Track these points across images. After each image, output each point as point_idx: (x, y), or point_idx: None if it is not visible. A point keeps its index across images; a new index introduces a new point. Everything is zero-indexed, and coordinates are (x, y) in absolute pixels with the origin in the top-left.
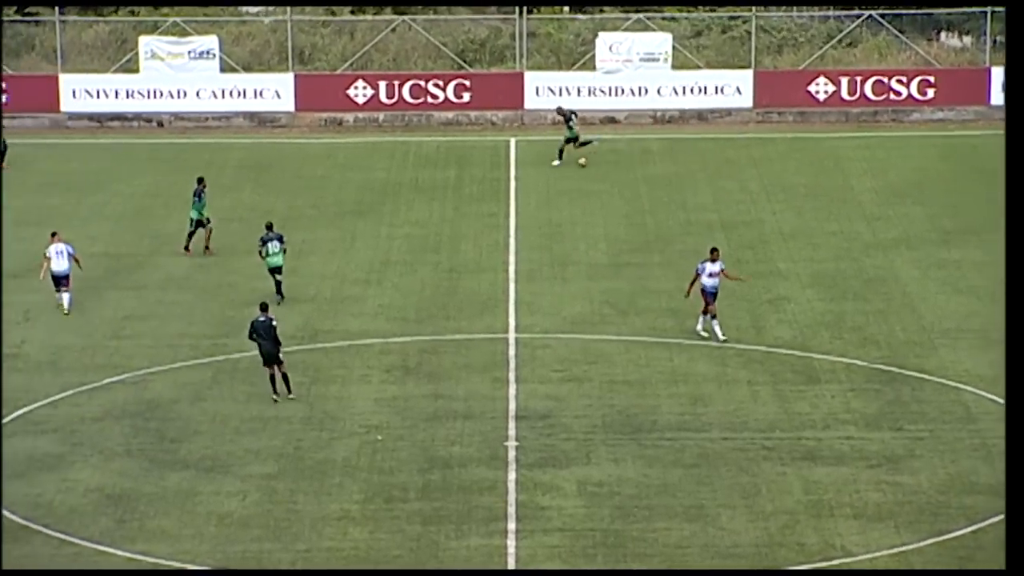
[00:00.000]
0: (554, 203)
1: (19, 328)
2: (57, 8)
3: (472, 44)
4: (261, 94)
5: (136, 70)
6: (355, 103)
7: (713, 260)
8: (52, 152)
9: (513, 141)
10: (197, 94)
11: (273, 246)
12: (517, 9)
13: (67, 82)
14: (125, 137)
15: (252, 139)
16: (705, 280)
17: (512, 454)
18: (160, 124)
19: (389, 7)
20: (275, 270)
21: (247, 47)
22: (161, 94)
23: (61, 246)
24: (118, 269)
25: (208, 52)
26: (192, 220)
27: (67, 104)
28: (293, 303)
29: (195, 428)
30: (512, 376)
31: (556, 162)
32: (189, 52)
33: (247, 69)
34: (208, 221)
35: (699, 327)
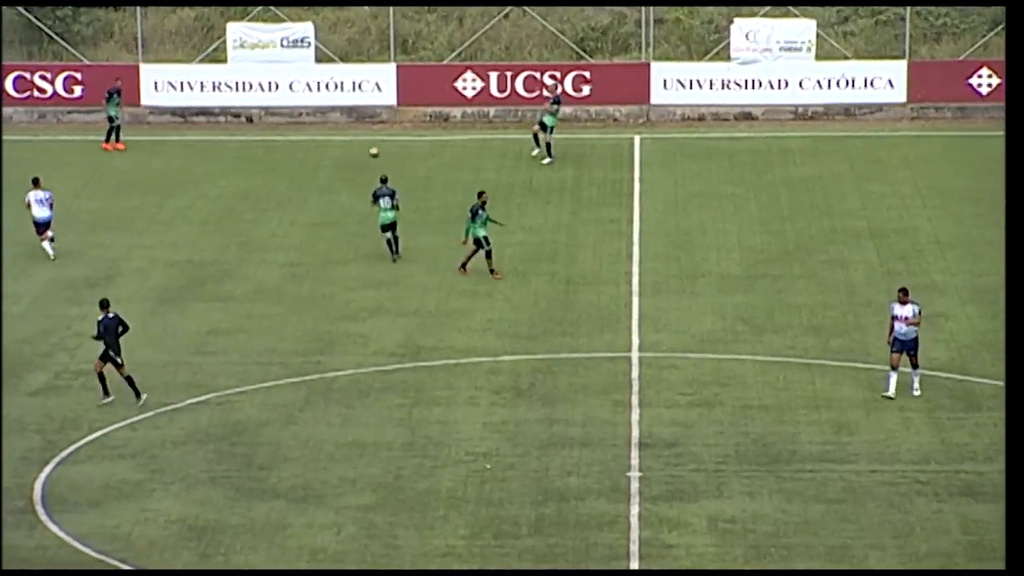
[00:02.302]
0: (682, 208)
1: (95, 343)
2: None
3: (593, 32)
4: (360, 87)
5: (223, 60)
6: (463, 97)
7: (902, 303)
8: (131, 150)
9: (637, 139)
10: (290, 86)
11: (385, 202)
12: None
13: (148, 73)
14: (211, 133)
15: (350, 136)
16: (897, 327)
17: (635, 486)
18: (249, 119)
19: None
20: (389, 227)
21: (345, 35)
22: (250, 86)
23: (42, 193)
24: (203, 278)
25: (302, 40)
26: (479, 239)
27: (148, 97)
28: (394, 316)
29: (285, 454)
30: (635, 400)
31: (547, 159)
32: (281, 40)
33: (345, 59)
34: (487, 242)
35: (888, 389)
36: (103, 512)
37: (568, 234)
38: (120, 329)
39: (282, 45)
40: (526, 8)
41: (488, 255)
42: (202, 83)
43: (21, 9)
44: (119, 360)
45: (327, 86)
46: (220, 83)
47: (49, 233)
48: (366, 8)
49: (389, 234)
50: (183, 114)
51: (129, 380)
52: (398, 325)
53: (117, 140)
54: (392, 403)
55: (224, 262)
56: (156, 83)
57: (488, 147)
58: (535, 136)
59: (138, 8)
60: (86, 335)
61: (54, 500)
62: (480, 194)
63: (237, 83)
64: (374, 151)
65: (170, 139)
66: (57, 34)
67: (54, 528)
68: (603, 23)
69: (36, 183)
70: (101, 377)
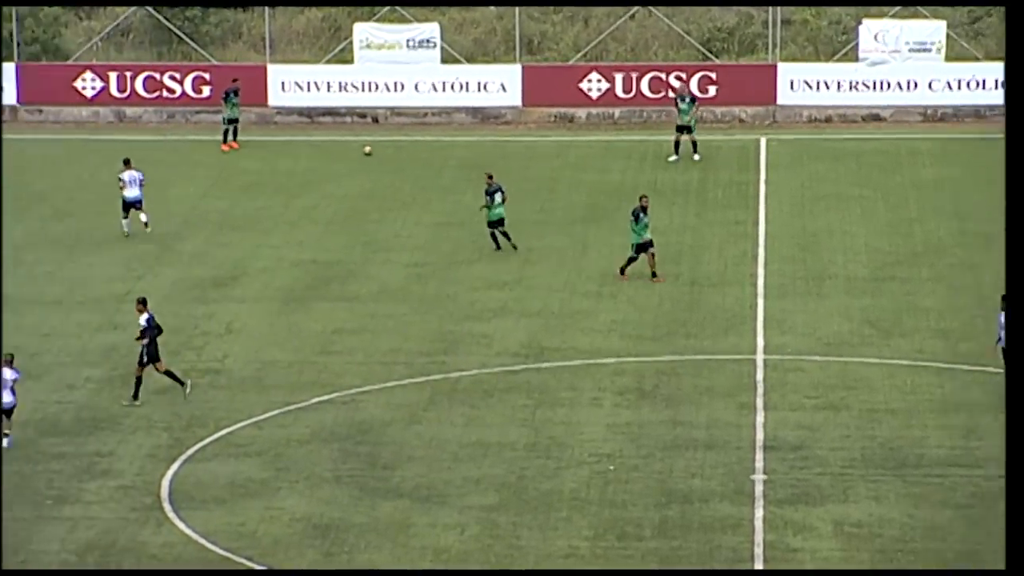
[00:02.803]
0: (809, 210)
1: (221, 341)
2: None
3: (719, 33)
4: (485, 87)
5: (350, 61)
6: (588, 97)
7: (1002, 309)
8: (258, 150)
9: (763, 140)
10: (416, 87)
11: (497, 197)
12: None
13: (276, 74)
14: (337, 134)
15: (475, 136)
16: (1001, 334)
17: (759, 489)
18: (375, 120)
19: None
20: (498, 222)
21: (471, 35)
22: (377, 87)
23: (134, 174)
24: (328, 278)
25: (428, 41)
26: (633, 246)
27: (275, 98)
28: (518, 317)
29: (409, 454)
30: (760, 402)
31: (673, 157)
32: (408, 41)
33: (470, 60)
34: (651, 244)
35: None
36: (229, 510)
37: (693, 236)
38: (157, 331)
39: (408, 46)
40: (652, 9)
41: (652, 256)
42: (329, 84)
43: (151, 10)
44: (144, 360)
45: (452, 87)
46: (346, 84)
47: (143, 216)
48: (492, 9)
49: (498, 229)
50: (310, 114)
51: (137, 381)
52: (522, 326)
53: (234, 139)
54: (516, 403)
55: (349, 262)
56: (283, 83)
57: (613, 148)
58: (694, 144)
59: (266, 9)
60: (213, 334)
61: (181, 497)
62: (641, 197)
63: (363, 83)
64: (367, 149)
65: (297, 139)
66: (186, 35)
67: (181, 525)
68: (730, 24)
69: (127, 163)
70: (138, 381)
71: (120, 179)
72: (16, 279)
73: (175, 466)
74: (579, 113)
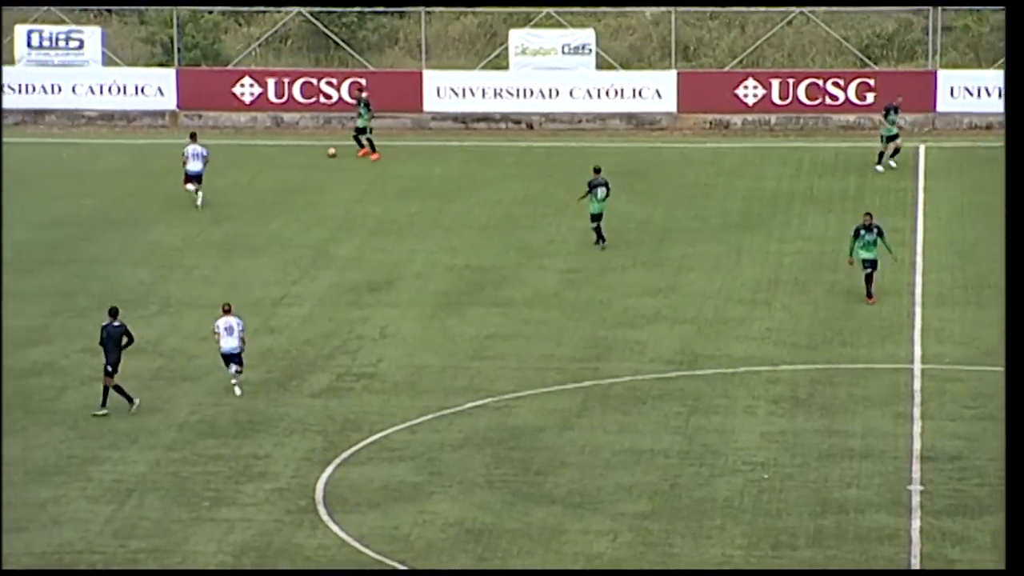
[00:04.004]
0: (968, 217)
1: (375, 345)
2: None
3: (878, 39)
4: (640, 93)
5: (505, 67)
6: (744, 104)
7: None
8: (413, 155)
9: (922, 148)
10: (571, 93)
11: (600, 191)
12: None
13: (431, 79)
14: (491, 140)
15: (629, 143)
16: None
17: (916, 499)
18: (529, 126)
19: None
20: (596, 216)
21: (626, 41)
22: (531, 93)
23: (198, 148)
24: (482, 283)
25: (583, 47)
26: (866, 261)
27: (430, 103)
28: (672, 324)
29: (562, 460)
30: (917, 412)
31: (879, 167)
32: (563, 47)
33: (625, 66)
34: (874, 264)
35: None
36: (382, 513)
37: (849, 243)
38: (125, 340)
39: (563, 52)
40: (810, 15)
41: (869, 278)
42: (484, 90)
43: (309, 16)
44: (109, 368)
45: (607, 93)
46: (501, 90)
47: (193, 187)
48: (647, 14)
49: (597, 224)
50: (464, 120)
51: (118, 388)
52: (676, 332)
53: (371, 148)
54: (669, 411)
55: (503, 267)
56: (438, 89)
57: (768, 155)
58: (895, 151)
59: (423, 15)
60: (367, 338)
61: (335, 500)
62: (865, 215)
63: (518, 90)
64: (332, 151)
65: (451, 145)
66: (343, 41)
67: (335, 528)
68: (888, 30)
69: (193, 137)
70: (118, 389)
71: (183, 152)
72: (174, 283)
73: (329, 469)
74: (734, 119)
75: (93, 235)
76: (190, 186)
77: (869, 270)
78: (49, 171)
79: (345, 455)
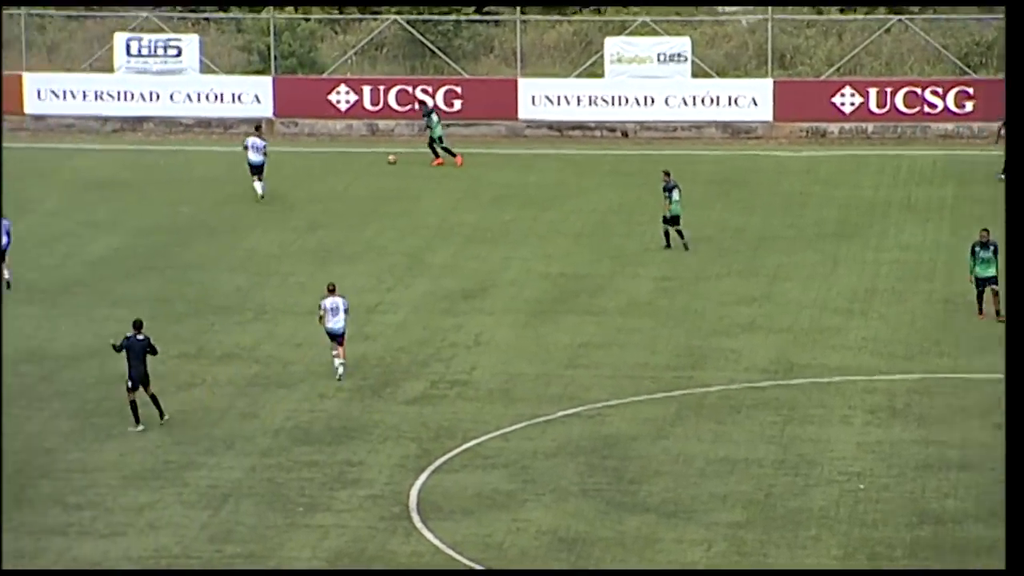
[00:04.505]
0: None
1: (469, 353)
2: (519, 7)
3: (978, 47)
4: (736, 101)
5: (600, 74)
6: (841, 112)
7: None
8: (508, 163)
9: None
10: (666, 101)
11: (674, 194)
12: None
13: (526, 87)
14: (586, 147)
15: (724, 151)
16: None
17: None
18: (624, 134)
19: (882, 6)
20: (673, 220)
21: (722, 49)
22: (626, 101)
23: (259, 141)
24: (576, 291)
25: (679, 55)
26: (983, 279)
27: (525, 111)
28: (767, 332)
29: (656, 468)
30: None
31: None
32: (659, 55)
33: (721, 74)
34: (992, 280)
35: None
36: (476, 521)
37: (947, 253)
38: (148, 352)
39: (659, 60)
40: (908, 23)
41: (981, 295)
42: (579, 97)
43: (405, 24)
44: (130, 384)
45: (703, 101)
46: (596, 97)
47: (260, 184)
48: (743, 22)
49: (673, 227)
50: (559, 128)
51: (153, 399)
52: (771, 341)
53: (451, 154)
54: (764, 420)
55: (597, 275)
56: (533, 97)
57: (865, 163)
58: None
59: (518, 23)
60: (461, 345)
61: (429, 508)
62: (981, 232)
63: (613, 98)
64: (392, 159)
65: (546, 153)
66: (439, 48)
67: (429, 535)
68: (988, 38)
69: (257, 129)
70: (133, 406)
71: (245, 144)
72: (270, 289)
73: (423, 476)
74: (831, 128)
75: (190, 241)
76: (258, 185)
77: (984, 287)
78: (147, 178)
79: (439, 462)
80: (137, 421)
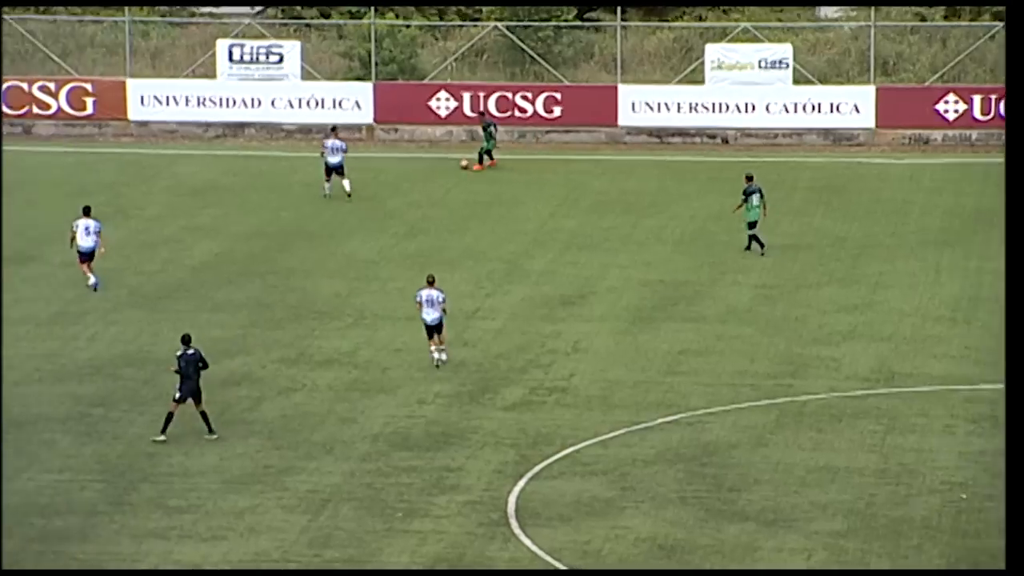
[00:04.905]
0: None
1: (568, 359)
2: (619, 13)
3: None
4: (838, 108)
5: (700, 81)
6: (944, 119)
7: None
8: (607, 169)
9: None
10: (767, 108)
11: (755, 199)
12: None
13: (626, 94)
14: (686, 154)
15: (826, 158)
16: None
17: None
18: (725, 141)
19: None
20: (753, 223)
21: (824, 56)
22: (727, 107)
23: (336, 142)
24: (675, 299)
25: (781, 62)
26: None
27: (625, 118)
28: (868, 341)
29: (756, 476)
30: None
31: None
32: (760, 62)
33: (823, 80)
34: None
35: None
36: (574, 528)
37: None
38: (201, 366)
39: (760, 66)
40: None
41: None
42: (679, 104)
43: (504, 30)
44: (177, 396)
45: (804, 108)
46: (697, 104)
47: (345, 183)
48: (846, 29)
49: (753, 231)
50: (659, 135)
51: (168, 417)
52: (872, 350)
53: (490, 159)
54: (865, 429)
55: (696, 282)
56: (633, 104)
57: (969, 171)
58: None
59: (618, 29)
60: (560, 352)
61: (527, 514)
62: None
63: (714, 104)
64: (464, 164)
65: (645, 159)
66: (539, 55)
67: (527, 542)
68: None
69: (334, 131)
70: (169, 417)
71: (324, 146)
72: (369, 295)
73: (521, 483)
74: (935, 135)
75: (290, 247)
76: (327, 185)
77: (753, 232)
78: (248, 184)
79: (537, 469)
80: (163, 431)
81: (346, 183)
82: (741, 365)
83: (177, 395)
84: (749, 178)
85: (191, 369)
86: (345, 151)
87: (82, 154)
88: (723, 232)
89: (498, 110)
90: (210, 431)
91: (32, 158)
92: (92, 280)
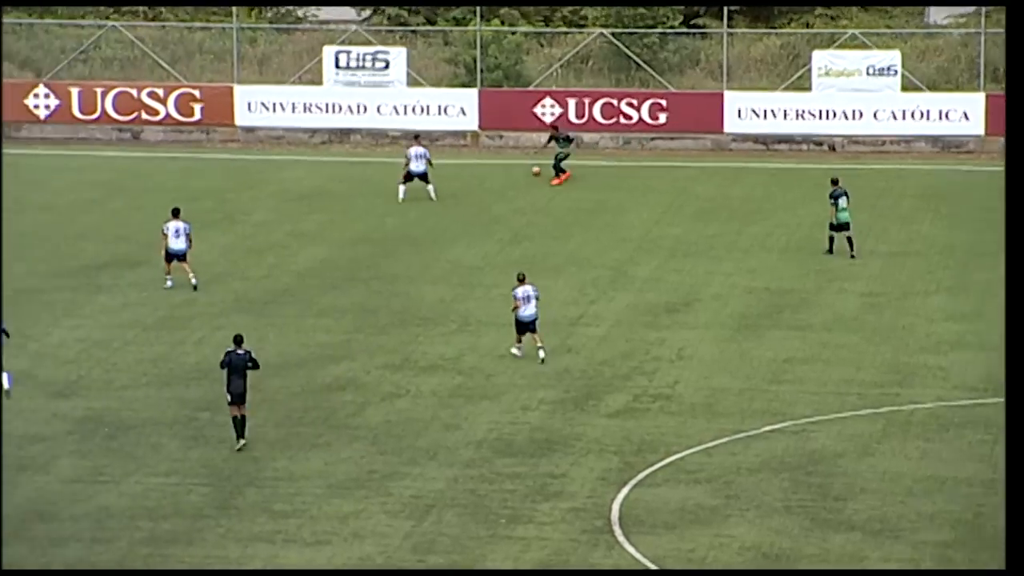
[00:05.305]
0: None
1: (672, 367)
2: (725, 20)
3: None
4: (947, 115)
5: (807, 88)
6: None
7: None
8: (713, 176)
9: None
10: (874, 115)
11: (842, 201)
12: None
13: (731, 101)
14: (792, 161)
15: (934, 165)
16: None
17: None
18: (831, 148)
19: None
20: (843, 226)
21: (933, 63)
22: (834, 114)
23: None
24: (781, 306)
25: (889, 68)
26: None
27: (731, 125)
28: (976, 350)
29: (862, 486)
30: None
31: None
32: (868, 68)
33: (931, 88)
34: None
35: None
36: (678, 535)
37: None
38: (250, 366)
39: (867, 73)
40: None
41: None
42: (785, 111)
43: (610, 37)
44: (229, 398)
45: (912, 115)
46: (803, 111)
47: (430, 188)
48: (955, 35)
49: (841, 233)
50: (765, 141)
51: (236, 420)
52: (980, 359)
53: (563, 172)
54: (973, 439)
55: (802, 290)
56: (739, 111)
57: None
58: None
59: (724, 36)
60: (664, 359)
61: (631, 521)
62: None
63: (820, 111)
64: (536, 170)
65: (751, 166)
66: (645, 62)
67: (631, 549)
68: None
69: (417, 139)
70: (236, 422)
71: (406, 154)
72: (473, 301)
73: (625, 490)
74: None
75: (394, 253)
76: (402, 189)
77: (848, 233)
78: (353, 190)
79: (641, 476)
80: (239, 436)
81: (431, 188)
82: (847, 373)
83: (229, 398)
84: (835, 181)
85: (238, 370)
86: (428, 158)
87: (189, 160)
88: (828, 238)
89: (603, 117)
90: (240, 437)
91: (140, 163)
92: (193, 280)
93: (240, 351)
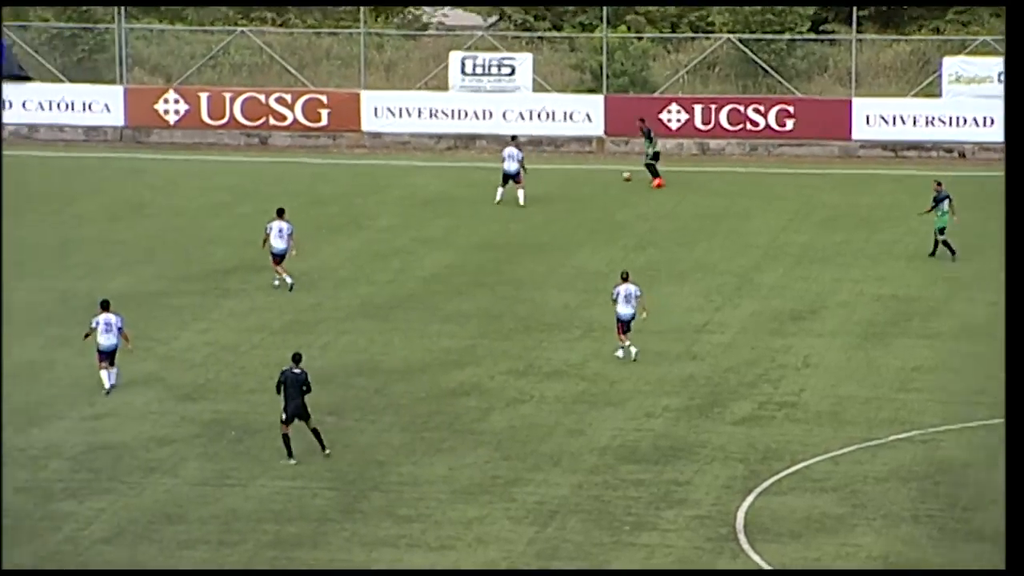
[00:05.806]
0: None
1: (798, 374)
2: (854, 26)
3: None
4: None
5: (937, 94)
6: None
7: None
8: (840, 183)
9: None
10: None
11: (944, 205)
12: None
13: (860, 107)
14: (921, 168)
15: None
16: None
17: None
18: (961, 155)
19: None
20: (941, 230)
21: None
22: (964, 121)
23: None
24: (909, 314)
25: None
26: None
27: (859, 131)
28: None
29: (992, 496)
30: None
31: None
32: (999, 75)
33: None
34: None
35: None
36: (804, 544)
37: None
38: (304, 388)
39: (999, 80)
40: None
41: None
42: (915, 117)
43: (737, 43)
44: (284, 416)
45: None
46: (933, 118)
47: (519, 192)
48: None
49: (941, 236)
50: (893, 148)
51: (315, 432)
52: None
53: (652, 175)
54: None
55: (931, 298)
56: (867, 117)
57: None
58: None
59: (853, 42)
60: (790, 367)
61: (756, 529)
62: None
63: (951, 118)
64: (627, 176)
65: (879, 173)
66: (772, 68)
67: (755, 558)
68: None
69: (513, 139)
70: (285, 440)
71: (503, 155)
72: (598, 307)
73: (750, 498)
74: None
75: (519, 259)
76: (500, 191)
77: (942, 237)
78: (479, 195)
79: (766, 484)
80: (290, 455)
81: (520, 193)
82: (976, 383)
83: (284, 416)
84: (938, 184)
85: (294, 389)
86: (521, 161)
87: (316, 164)
88: (959, 248)
89: (729, 123)
90: (323, 448)
91: (267, 168)
92: (288, 280)
93: (297, 370)
